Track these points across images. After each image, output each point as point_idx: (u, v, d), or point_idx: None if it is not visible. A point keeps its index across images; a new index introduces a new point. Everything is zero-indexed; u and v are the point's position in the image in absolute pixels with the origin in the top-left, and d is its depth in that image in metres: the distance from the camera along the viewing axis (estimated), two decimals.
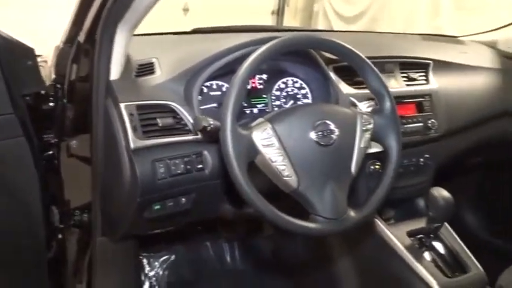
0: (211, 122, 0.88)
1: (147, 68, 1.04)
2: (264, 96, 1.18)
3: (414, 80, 1.29)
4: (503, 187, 1.74)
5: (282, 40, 0.89)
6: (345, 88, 1.16)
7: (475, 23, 2.36)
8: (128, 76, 1.00)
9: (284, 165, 0.85)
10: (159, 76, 1.03)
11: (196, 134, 0.97)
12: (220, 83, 1.12)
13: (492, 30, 1.72)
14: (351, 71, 1.11)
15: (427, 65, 1.32)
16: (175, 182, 0.96)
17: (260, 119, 0.89)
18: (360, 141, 0.93)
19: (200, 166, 0.98)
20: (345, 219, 0.89)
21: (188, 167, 0.96)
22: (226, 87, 1.11)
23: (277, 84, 1.19)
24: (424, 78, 1.31)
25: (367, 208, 0.93)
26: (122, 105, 0.93)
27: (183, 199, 1.00)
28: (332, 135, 0.89)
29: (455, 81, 1.36)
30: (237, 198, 0.86)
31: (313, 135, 0.88)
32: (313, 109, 0.94)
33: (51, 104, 1.15)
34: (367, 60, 0.97)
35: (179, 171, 0.95)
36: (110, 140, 0.96)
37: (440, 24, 3.16)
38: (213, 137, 0.89)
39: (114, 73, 0.98)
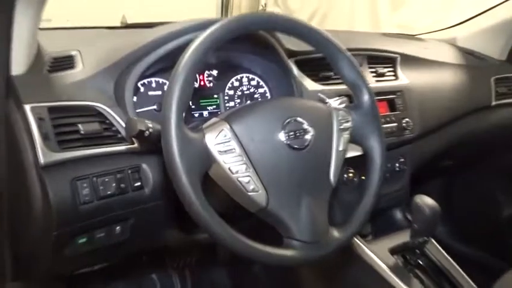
0: (150, 125, 0.67)
1: (65, 62, 0.81)
2: (215, 96, 0.98)
3: (383, 75, 1.15)
4: (472, 193, 1.64)
5: (235, 19, 0.70)
6: (309, 84, 0.99)
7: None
8: (37, 71, 0.77)
9: (248, 176, 0.66)
10: (81, 71, 0.80)
11: (132, 143, 0.76)
12: (160, 80, 0.91)
13: (450, 27, 1.64)
14: (316, 65, 0.95)
15: (395, 59, 1.19)
16: (105, 206, 0.73)
17: (214, 119, 0.69)
18: (338, 143, 0.76)
19: (138, 184, 0.76)
20: (328, 241, 0.71)
21: (122, 185, 0.74)
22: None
23: (230, 82, 1.00)
24: (392, 73, 1.17)
25: (352, 225, 0.75)
26: (27, 107, 0.69)
27: (118, 228, 0.78)
28: (306, 136, 0.71)
29: (424, 76, 1.24)
30: (187, 221, 0.66)
31: (282, 136, 0.69)
32: (282, 104, 0.75)
33: None
34: (341, 47, 0.80)
35: (110, 192, 0.73)
36: (14, 155, 0.72)
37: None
38: (153, 145, 0.68)
39: (18, 67, 0.74)
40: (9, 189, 0.77)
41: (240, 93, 1.00)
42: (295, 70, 0.99)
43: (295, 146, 0.70)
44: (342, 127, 0.77)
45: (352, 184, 1.03)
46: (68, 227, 0.70)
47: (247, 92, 1.01)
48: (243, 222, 0.72)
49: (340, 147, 0.76)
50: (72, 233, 0.72)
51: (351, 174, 1.03)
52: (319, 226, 0.70)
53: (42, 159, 0.67)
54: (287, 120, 0.70)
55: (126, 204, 0.75)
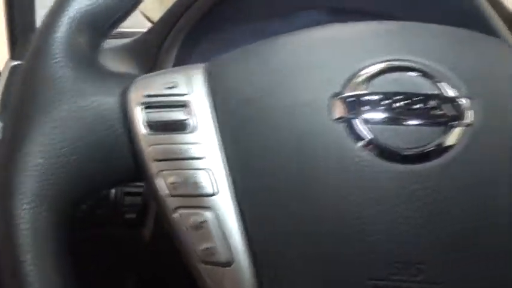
0: None
1: None
2: None
3: None
4: None
5: None
6: None
7: None
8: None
9: (201, 209, 0.23)
10: None
11: None
12: None
13: None
14: None
15: None
16: None
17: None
18: None
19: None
20: None
21: None
22: None
23: None
24: None
25: None
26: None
27: None
28: (458, 121, 0.22)
29: None
30: None
31: (360, 127, 0.22)
32: (360, 31, 0.27)
33: None
34: None
35: None
36: None
37: None
38: None
39: None
40: None
41: None
42: None
43: (401, 151, 0.22)
44: None
45: None
46: None
47: None
48: None
49: None
50: None
51: None
52: None
53: None
54: (380, 65, 0.23)
55: None
